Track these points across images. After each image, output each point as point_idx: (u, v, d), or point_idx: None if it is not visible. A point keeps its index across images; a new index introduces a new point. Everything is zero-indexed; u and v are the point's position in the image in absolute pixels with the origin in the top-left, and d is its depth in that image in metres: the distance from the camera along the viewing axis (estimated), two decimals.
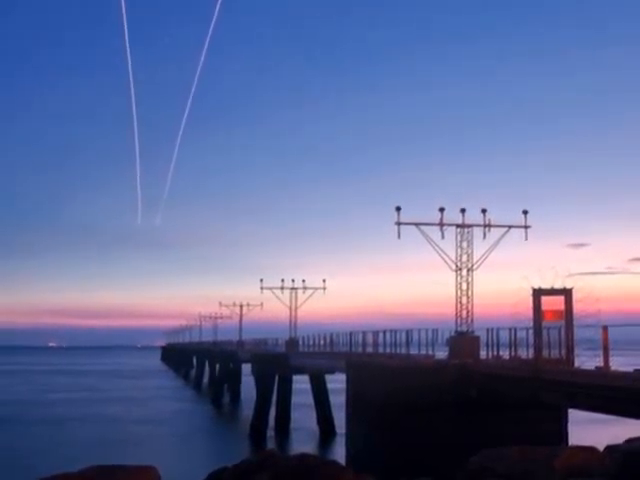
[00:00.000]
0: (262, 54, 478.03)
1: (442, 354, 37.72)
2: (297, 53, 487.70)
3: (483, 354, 35.83)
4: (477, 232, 40.29)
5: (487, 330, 35.14)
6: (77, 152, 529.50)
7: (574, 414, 31.98)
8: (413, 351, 37.87)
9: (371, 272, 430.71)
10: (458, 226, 39.97)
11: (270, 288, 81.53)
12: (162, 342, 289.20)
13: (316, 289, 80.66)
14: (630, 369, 24.30)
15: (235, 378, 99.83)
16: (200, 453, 50.88)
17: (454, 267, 39.89)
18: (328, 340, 57.03)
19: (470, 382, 32.37)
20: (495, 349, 34.51)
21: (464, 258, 39.92)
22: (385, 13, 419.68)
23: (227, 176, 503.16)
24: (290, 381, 67.26)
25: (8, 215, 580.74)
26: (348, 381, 39.55)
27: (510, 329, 32.13)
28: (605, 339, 25.42)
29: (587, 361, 27.61)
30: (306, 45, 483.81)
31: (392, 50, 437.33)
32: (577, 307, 29.24)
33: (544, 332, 29.59)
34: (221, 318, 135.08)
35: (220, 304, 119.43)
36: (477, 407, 31.59)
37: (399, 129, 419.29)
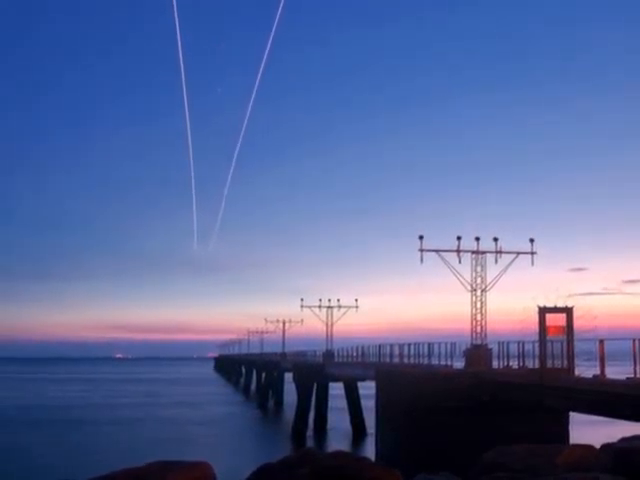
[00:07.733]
0: (301, 101, 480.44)
1: (459, 364, 37.93)
2: (330, 101, 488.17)
3: (495, 364, 35.93)
4: (490, 258, 40.69)
5: (498, 343, 35.34)
6: (140, 187, 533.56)
7: (574, 416, 31.94)
8: (434, 362, 38.12)
9: (397, 293, 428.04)
10: (473, 252, 40.32)
11: (309, 307, 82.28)
12: (215, 354, 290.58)
13: (349, 307, 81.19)
14: (623, 377, 24.43)
15: (278, 385, 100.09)
16: (248, 450, 51.22)
17: (469, 288, 40.19)
18: (360, 352, 57.27)
19: (484, 388, 32.49)
20: (505, 360, 34.65)
21: (478, 280, 40.26)
22: (411, 64, 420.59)
23: (273, 208, 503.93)
24: (327, 388, 67.47)
25: (80, 243, 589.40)
26: (377, 388, 39.77)
27: (518, 342, 32.39)
28: (601, 351, 25.69)
29: (586, 370, 27.80)
30: (338, 94, 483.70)
31: (413, 100, 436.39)
32: (577, 323, 29.36)
33: (548, 345, 29.69)
34: (266, 333, 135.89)
35: (265, 320, 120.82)
36: (490, 410, 31.69)
37: (421, 168, 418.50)
